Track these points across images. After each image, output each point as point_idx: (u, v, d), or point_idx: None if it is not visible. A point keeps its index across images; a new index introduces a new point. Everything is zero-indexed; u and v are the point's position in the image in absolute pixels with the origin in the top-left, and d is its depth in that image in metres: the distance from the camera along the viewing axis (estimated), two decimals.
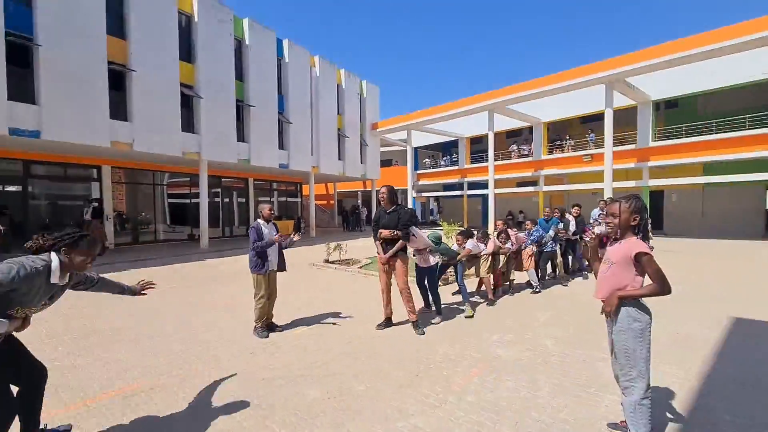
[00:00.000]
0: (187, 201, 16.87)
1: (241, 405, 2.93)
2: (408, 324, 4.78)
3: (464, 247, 5.66)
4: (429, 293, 5.27)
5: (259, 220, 4.66)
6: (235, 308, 5.75)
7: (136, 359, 3.84)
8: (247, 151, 15.48)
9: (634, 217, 2.23)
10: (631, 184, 16.93)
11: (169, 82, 12.64)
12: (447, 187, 27.59)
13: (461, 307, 5.64)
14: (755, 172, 14.53)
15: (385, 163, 30.88)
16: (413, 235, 4.61)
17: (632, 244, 2.18)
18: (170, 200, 16.42)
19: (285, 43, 17.23)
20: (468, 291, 5.61)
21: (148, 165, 14.85)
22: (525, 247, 6.84)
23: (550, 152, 22.37)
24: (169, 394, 3.11)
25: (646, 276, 2.21)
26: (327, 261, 10.11)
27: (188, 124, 13.52)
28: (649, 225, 3.07)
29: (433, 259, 5.07)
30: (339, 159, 20.77)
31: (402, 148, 28.56)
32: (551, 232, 7.14)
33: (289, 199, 22.23)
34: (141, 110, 11.97)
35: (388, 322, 4.82)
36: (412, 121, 22.15)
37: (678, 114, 19.76)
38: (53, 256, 2.05)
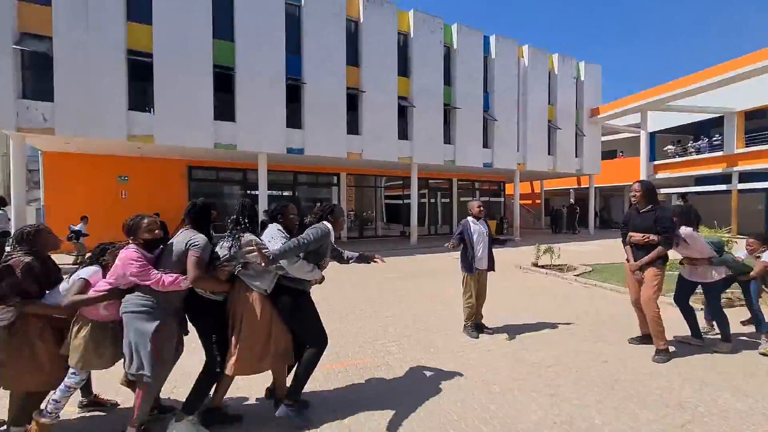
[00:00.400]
0: (400, 201, 18.91)
1: (458, 401, 2.86)
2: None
3: (759, 258, 3.96)
4: (710, 316, 4.06)
5: (468, 218, 4.58)
6: (446, 303, 5.90)
7: (364, 335, 4.40)
8: (452, 153, 16.02)
9: None
10: None
11: (390, 97, 14.42)
12: (701, 180, 20.96)
13: (756, 341, 4.00)
14: None
15: (607, 154, 26.16)
16: (684, 240, 3.67)
17: None
18: (386, 201, 18.83)
19: (492, 39, 16.91)
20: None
21: (370, 171, 17.46)
22: None
23: None
24: (389, 372, 3.36)
25: None
26: (536, 265, 9.26)
27: (403, 131, 15.07)
28: None
29: (716, 274, 3.77)
30: (549, 154, 18.88)
31: (632, 135, 23.58)
32: None
33: (491, 199, 21.81)
34: (368, 124, 14.12)
35: (645, 339, 3.98)
36: (649, 99, 17.87)
37: None
38: (325, 223, 2.73)
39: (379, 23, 14.10)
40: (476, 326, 4.48)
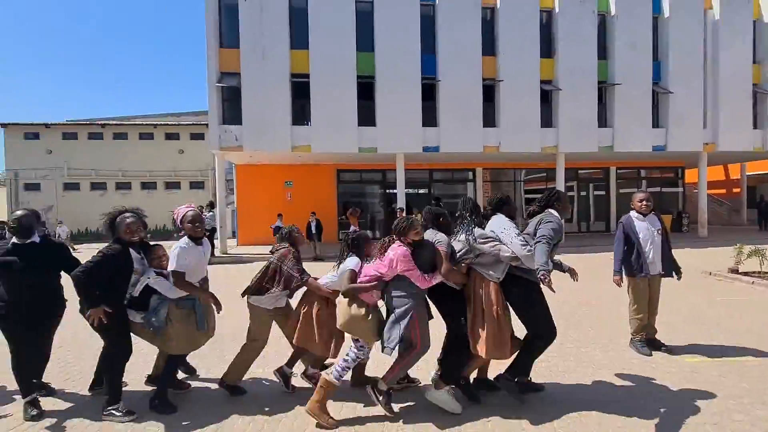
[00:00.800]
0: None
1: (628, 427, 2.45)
2: None
3: None
4: None
5: (631, 212, 3.84)
6: (602, 310, 5.16)
7: None
8: (609, 137, 13.81)
9: None
10: None
11: (530, 82, 13.29)
12: None
13: None
14: None
15: None
16: None
17: None
18: (526, 195, 17.44)
19: None
20: None
21: (509, 164, 16.48)
22: None
23: None
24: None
25: None
26: (735, 271, 7.23)
27: (546, 118, 13.70)
28: None
29: None
30: (754, 128, 14.47)
31: None
32: None
33: (664, 189, 18.00)
34: (506, 114, 13.31)
35: None
36: None
37: None
38: (554, 212, 2.81)
39: (518, 4, 13.13)
40: (648, 341, 3.75)
